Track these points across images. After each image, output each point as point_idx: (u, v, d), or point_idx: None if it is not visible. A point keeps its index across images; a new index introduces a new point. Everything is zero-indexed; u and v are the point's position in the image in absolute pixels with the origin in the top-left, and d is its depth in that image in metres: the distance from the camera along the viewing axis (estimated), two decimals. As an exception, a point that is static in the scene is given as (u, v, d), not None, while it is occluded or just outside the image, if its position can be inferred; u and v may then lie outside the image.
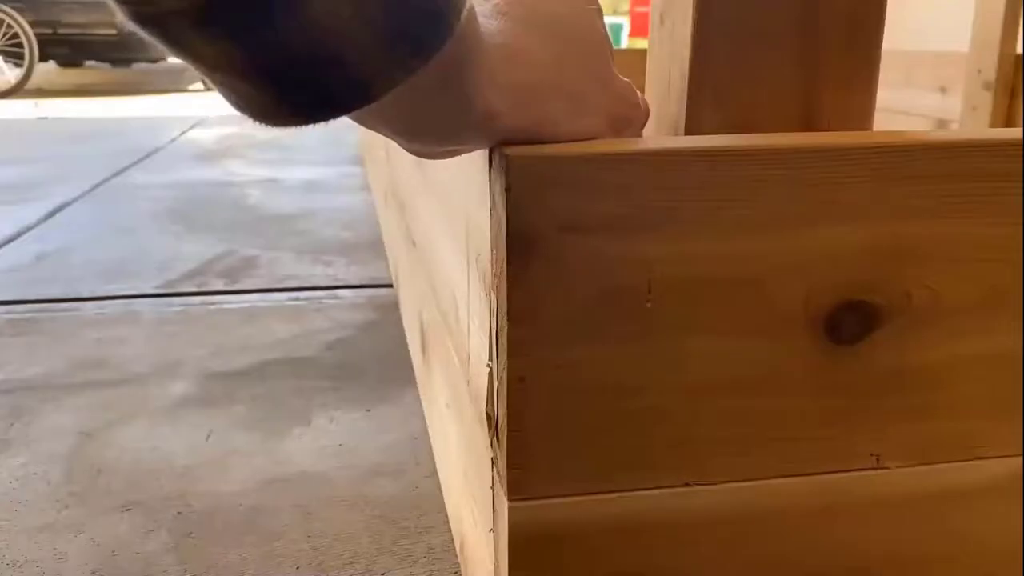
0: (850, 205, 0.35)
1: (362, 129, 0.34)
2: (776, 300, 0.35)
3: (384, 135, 0.33)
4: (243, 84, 0.25)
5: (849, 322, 0.36)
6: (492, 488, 0.39)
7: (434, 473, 0.69)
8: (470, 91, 0.30)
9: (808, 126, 0.39)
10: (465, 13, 0.27)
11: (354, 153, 2.35)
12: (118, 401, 0.84)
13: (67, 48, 4.87)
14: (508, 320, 0.34)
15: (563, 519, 0.36)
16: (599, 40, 0.36)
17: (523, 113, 0.32)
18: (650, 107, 0.41)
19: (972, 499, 0.40)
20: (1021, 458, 0.40)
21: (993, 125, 0.67)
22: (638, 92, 0.39)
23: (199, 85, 4.48)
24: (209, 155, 2.41)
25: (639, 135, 0.39)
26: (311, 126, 0.26)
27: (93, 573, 0.57)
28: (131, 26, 0.23)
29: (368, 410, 0.81)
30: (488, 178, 0.34)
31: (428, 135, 0.32)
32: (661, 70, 0.41)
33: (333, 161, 2.26)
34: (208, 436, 0.76)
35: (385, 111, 0.29)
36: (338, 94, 0.25)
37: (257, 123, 0.27)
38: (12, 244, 1.45)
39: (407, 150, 0.35)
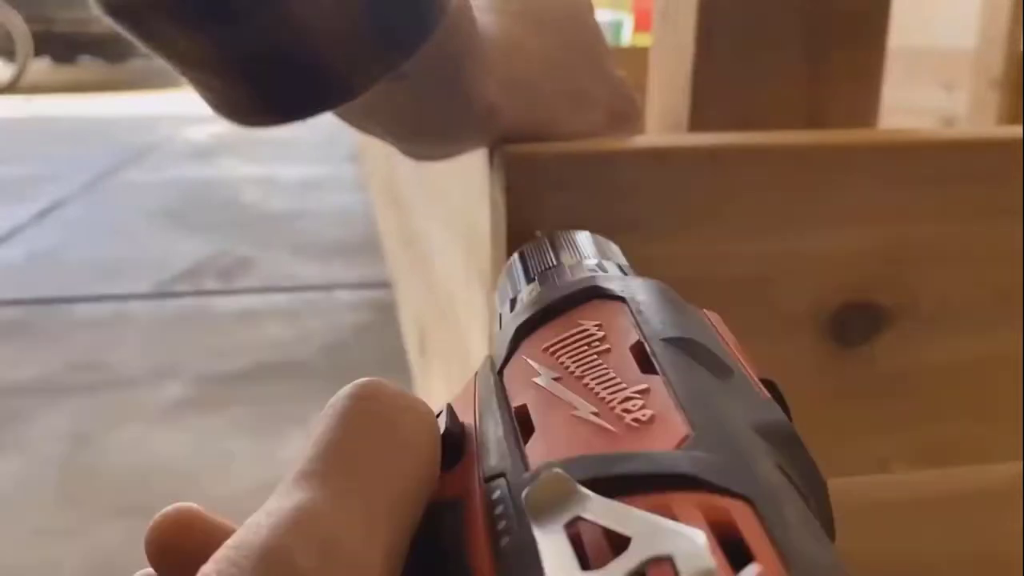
0: (856, 204, 0.34)
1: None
2: (781, 301, 0.35)
3: (380, 138, 0.32)
4: (217, 80, 0.24)
5: (856, 323, 0.35)
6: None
7: (432, 475, 0.68)
8: (468, 86, 0.29)
9: (813, 123, 0.38)
10: (452, 7, 0.26)
11: (351, 151, 2.34)
12: (112, 404, 0.83)
13: (61, 44, 4.85)
14: (509, 322, 0.33)
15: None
16: (595, 34, 0.35)
17: (523, 108, 0.31)
18: (654, 104, 0.41)
19: (976, 502, 0.39)
20: (1021, 463, 0.39)
21: (1000, 123, 0.66)
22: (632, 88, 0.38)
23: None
24: (204, 153, 2.40)
25: (637, 130, 0.38)
26: (291, 125, 0.26)
27: (87, 579, 0.56)
28: (106, 19, 0.22)
29: (365, 411, 0.80)
30: (488, 177, 0.33)
31: (426, 136, 0.32)
32: (665, 66, 0.40)
33: (330, 159, 2.25)
34: (204, 440, 0.75)
35: (381, 112, 0.29)
36: (316, 91, 0.24)
37: (233, 123, 0.26)
38: (4, 243, 1.44)
39: (404, 153, 0.34)
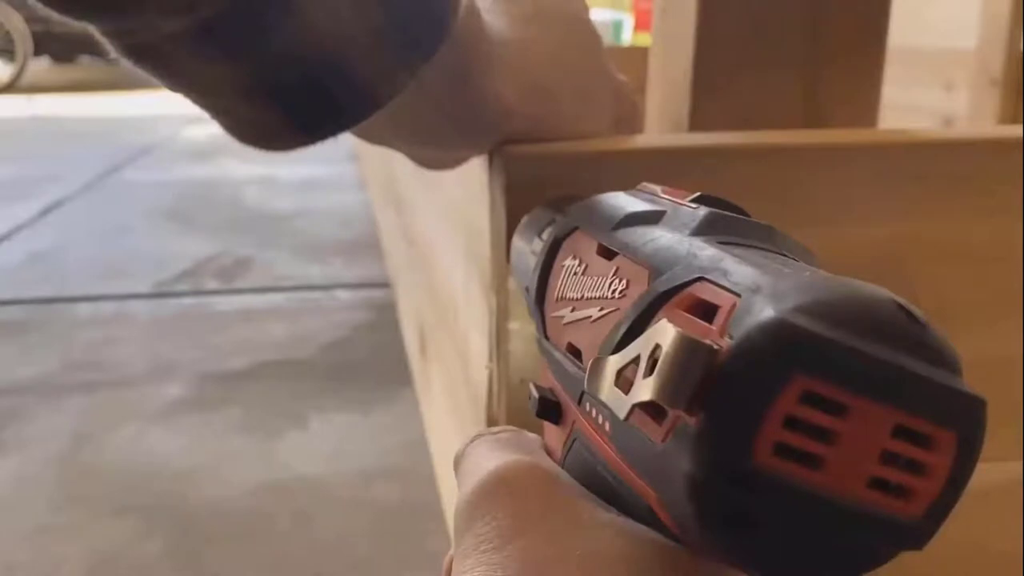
0: (856, 204, 0.34)
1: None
2: (781, 301, 0.34)
3: (395, 148, 0.32)
4: (245, 106, 0.24)
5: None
6: (493, 493, 0.38)
7: (433, 476, 0.68)
8: (481, 87, 0.29)
9: (813, 123, 0.38)
10: (463, 10, 0.26)
11: (351, 151, 2.34)
12: (113, 403, 0.83)
13: (61, 43, 4.84)
14: (508, 320, 0.33)
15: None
16: (594, 36, 0.35)
17: (534, 108, 0.32)
18: (654, 103, 0.41)
19: (976, 502, 0.39)
20: (1021, 462, 0.39)
21: (1000, 123, 0.66)
22: (633, 91, 0.38)
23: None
24: (204, 152, 2.40)
25: (637, 131, 0.38)
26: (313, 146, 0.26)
27: (87, 578, 0.56)
28: (124, 62, 0.22)
29: (365, 412, 0.80)
30: (488, 177, 0.33)
31: (439, 140, 0.32)
32: (665, 66, 0.40)
33: (330, 158, 2.25)
34: (203, 439, 0.75)
35: (396, 121, 0.29)
36: (343, 104, 0.24)
37: (260, 149, 0.26)
38: (4, 243, 1.44)
39: (417, 162, 0.34)
